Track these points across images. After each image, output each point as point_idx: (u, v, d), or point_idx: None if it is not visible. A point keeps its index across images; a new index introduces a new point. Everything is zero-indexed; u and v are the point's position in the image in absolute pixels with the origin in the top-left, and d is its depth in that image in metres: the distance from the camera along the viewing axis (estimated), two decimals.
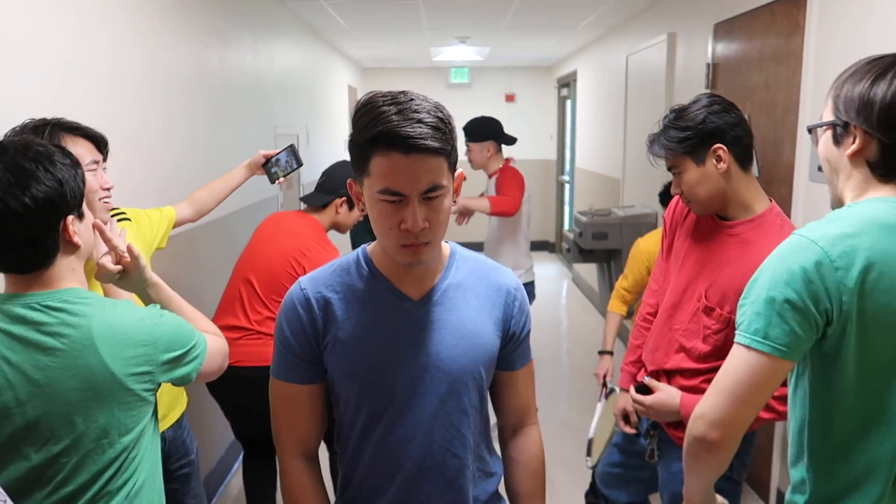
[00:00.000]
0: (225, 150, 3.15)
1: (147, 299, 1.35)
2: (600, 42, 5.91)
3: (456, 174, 1.09)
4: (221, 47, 3.15)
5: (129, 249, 1.30)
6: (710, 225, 1.62)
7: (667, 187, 2.48)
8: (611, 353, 2.60)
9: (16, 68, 1.68)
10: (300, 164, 2.39)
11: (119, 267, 1.31)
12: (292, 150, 2.36)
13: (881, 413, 1.06)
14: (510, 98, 8.56)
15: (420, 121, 0.98)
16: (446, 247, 1.21)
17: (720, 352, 1.49)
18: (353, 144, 1.04)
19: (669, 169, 1.63)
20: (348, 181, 1.11)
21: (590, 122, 6.39)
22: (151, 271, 1.35)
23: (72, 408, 1.09)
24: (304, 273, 2.28)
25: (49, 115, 1.50)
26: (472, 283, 1.19)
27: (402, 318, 1.13)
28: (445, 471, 1.16)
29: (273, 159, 2.32)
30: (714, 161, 1.53)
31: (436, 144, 0.99)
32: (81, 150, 1.46)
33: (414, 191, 1.00)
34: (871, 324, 1.03)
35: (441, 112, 1.03)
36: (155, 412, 1.24)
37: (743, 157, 1.53)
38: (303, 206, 2.53)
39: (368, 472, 1.17)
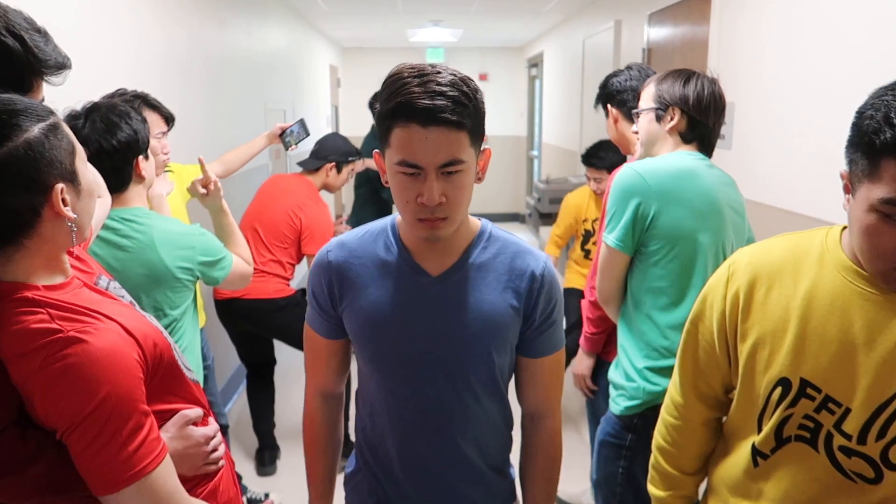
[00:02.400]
0: (226, 121, 3.62)
1: (216, 220, 1.85)
2: (563, 26, 6.40)
3: (482, 150, 1.07)
4: (221, 31, 3.60)
5: (215, 182, 1.82)
6: None
7: (588, 150, 3.04)
8: None
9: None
10: (308, 135, 2.89)
11: (204, 191, 1.82)
12: (302, 124, 2.87)
13: (684, 290, 1.60)
14: (483, 77, 9.02)
15: (441, 93, 0.97)
16: (477, 224, 1.19)
17: None
18: (378, 115, 1.04)
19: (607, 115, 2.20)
20: (374, 153, 1.10)
21: (554, 100, 6.90)
22: (224, 203, 1.86)
23: (138, 288, 1.58)
24: (301, 223, 2.80)
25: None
26: (497, 264, 1.16)
27: (418, 292, 1.13)
28: (453, 446, 1.18)
29: (288, 130, 2.82)
30: (611, 113, 2.11)
31: (455, 118, 0.98)
32: (154, 120, 1.95)
33: (431, 164, 0.99)
34: (669, 224, 1.57)
35: (467, 86, 1.01)
36: (195, 301, 1.74)
37: (629, 113, 2.03)
38: (299, 169, 3.03)
39: (379, 434, 1.22)
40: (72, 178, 0.97)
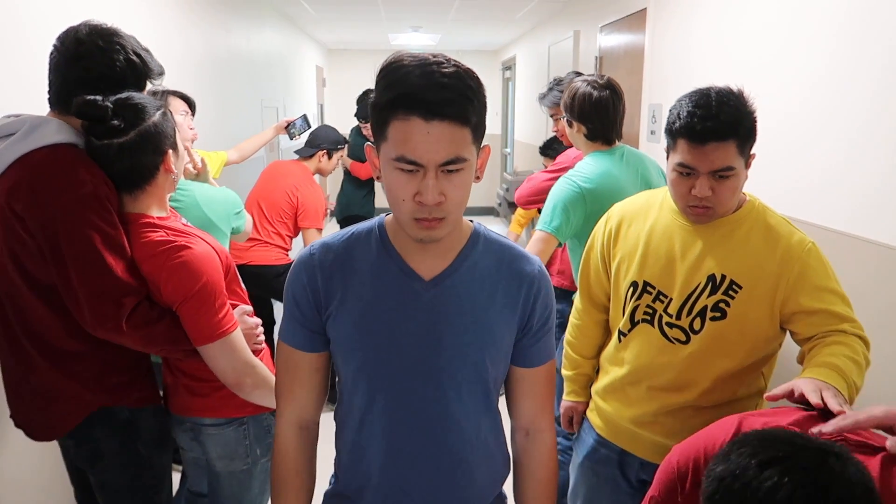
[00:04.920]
0: (230, 116, 4.13)
1: None
2: (532, 33, 6.98)
3: (482, 148, 1.02)
4: (226, 36, 4.11)
5: (203, 161, 2.32)
6: None
7: (544, 143, 3.60)
8: None
9: None
10: (310, 127, 3.46)
11: (195, 171, 2.32)
12: (305, 118, 3.43)
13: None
14: None
15: (445, 86, 0.91)
16: (469, 226, 1.13)
17: None
18: (374, 106, 0.97)
19: (552, 115, 2.75)
20: (366, 146, 1.05)
21: (525, 100, 7.47)
22: (212, 178, 2.37)
23: None
24: (298, 201, 3.33)
25: None
26: (491, 268, 1.11)
27: (410, 297, 1.07)
28: (440, 462, 1.12)
29: (292, 123, 3.39)
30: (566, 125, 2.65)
31: (460, 113, 0.93)
32: (178, 105, 2.45)
33: (432, 161, 0.93)
34: (594, 214, 2.08)
35: (471, 79, 0.95)
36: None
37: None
38: (295, 157, 3.57)
39: (362, 451, 1.13)
40: (174, 147, 1.50)
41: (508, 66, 8.73)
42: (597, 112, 2.17)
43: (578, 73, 2.71)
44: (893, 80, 1.77)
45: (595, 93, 2.16)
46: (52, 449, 1.94)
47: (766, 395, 1.23)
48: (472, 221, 1.15)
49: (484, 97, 0.98)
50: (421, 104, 0.92)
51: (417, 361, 1.08)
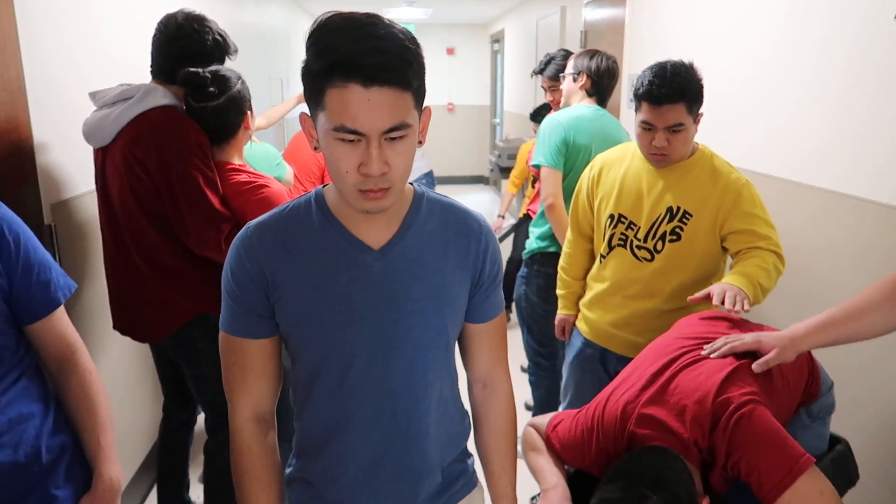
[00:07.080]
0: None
1: None
2: (520, 7, 7.33)
3: (423, 110, 0.98)
4: (241, 13, 4.44)
5: None
6: None
7: (535, 109, 4.00)
8: (503, 216, 4.23)
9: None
10: None
11: None
12: None
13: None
14: (451, 51, 9.91)
15: (383, 50, 0.87)
16: (410, 189, 1.10)
17: None
18: (306, 73, 0.92)
19: (549, 87, 3.14)
20: (301, 115, 1.00)
21: (514, 72, 7.84)
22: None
23: None
24: (323, 161, 3.71)
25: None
26: (438, 228, 1.09)
27: (362, 270, 1.04)
28: (409, 431, 1.10)
29: None
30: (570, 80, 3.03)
31: (401, 77, 0.88)
32: None
33: (374, 130, 0.89)
34: (574, 144, 2.52)
35: (409, 41, 0.90)
36: None
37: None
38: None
39: (328, 433, 1.10)
40: (251, 108, 1.89)
41: (497, 39, 9.07)
42: (608, 76, 2.61)
43: (567, 51, 3.10)
44: (830, 56, 2.18)
45: (612, 64, 2.62)
46: (143, 356, 2.37)
47: (688, 297, 1.65)
48: (412, 184, 1.11)
49: (422, 58, 0.94)
50: (359, 71, 0.87)
51: (380, 332, 1.05)
